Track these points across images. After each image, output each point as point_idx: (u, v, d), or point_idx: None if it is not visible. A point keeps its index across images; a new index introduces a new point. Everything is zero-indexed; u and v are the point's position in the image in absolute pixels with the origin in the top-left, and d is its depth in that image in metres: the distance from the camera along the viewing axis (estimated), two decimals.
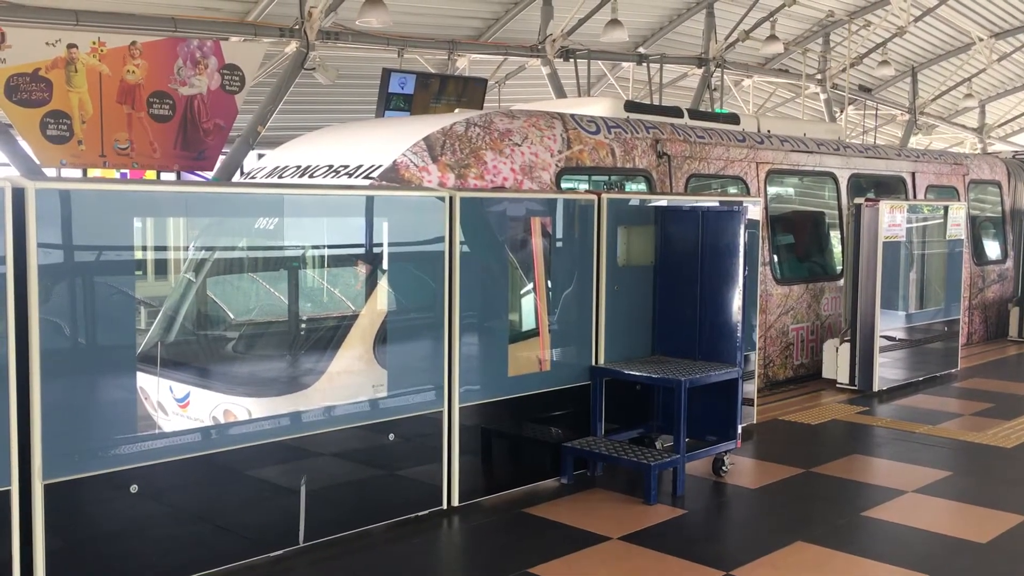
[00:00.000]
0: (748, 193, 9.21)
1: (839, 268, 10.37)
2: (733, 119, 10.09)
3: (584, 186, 7.89)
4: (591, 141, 7.82)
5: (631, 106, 9.02)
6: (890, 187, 11.65)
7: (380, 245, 5.49)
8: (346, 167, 6.94)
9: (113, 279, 4.36)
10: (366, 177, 6.73)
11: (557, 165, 7.43)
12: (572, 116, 7.96)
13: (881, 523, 5.66)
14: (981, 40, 25.21)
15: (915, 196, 11.68)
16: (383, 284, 5.54)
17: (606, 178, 8.15)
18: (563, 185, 7.48)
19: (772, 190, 9.90)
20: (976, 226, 13.31)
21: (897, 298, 9.55)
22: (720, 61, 21.11)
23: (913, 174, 11.81)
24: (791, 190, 10.68)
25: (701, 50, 21.07)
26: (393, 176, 6.75)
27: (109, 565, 4.39)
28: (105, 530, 4.38)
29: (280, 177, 7.39)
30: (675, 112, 9.56)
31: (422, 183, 6.70)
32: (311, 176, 7.09)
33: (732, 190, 9.43)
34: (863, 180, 11.11)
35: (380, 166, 6.79)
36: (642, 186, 8.31)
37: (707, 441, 6.53)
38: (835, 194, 10.63)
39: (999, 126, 31.77)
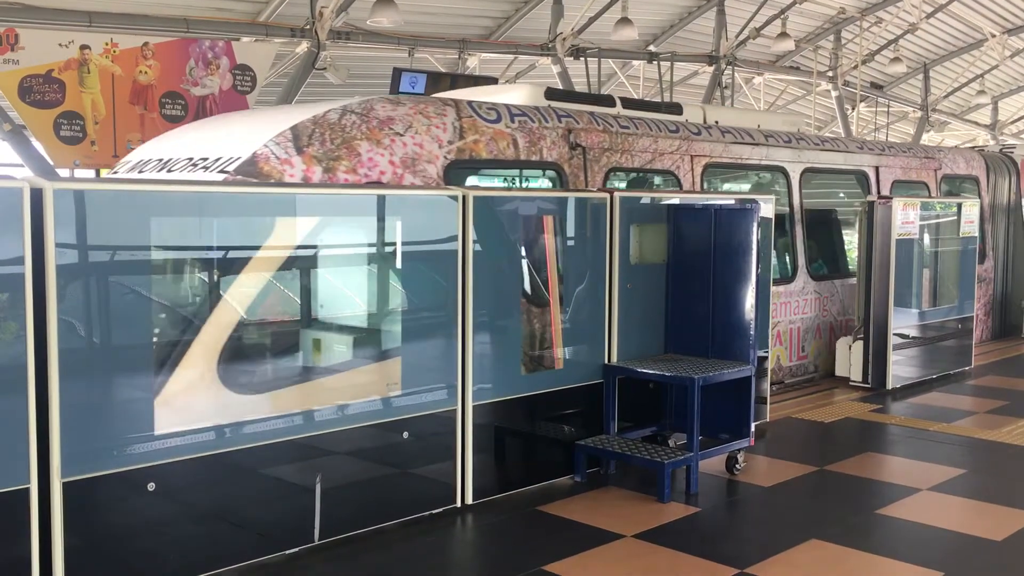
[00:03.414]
0: (681, 189, 8.56)
1: (793, 271, 9.74)
2: (675, 109, 9.41)
3: (477, 181, 7.24)
4: (489, 131, 7.06)
5: (553, 94, 8.34)
6: (850, 182, 11.00)
7: (392, 244, 5.50)
8: (205, 160, 6.38)
9: (130, 278, 4.39)
10: (221, 171, 6.14)
11: (446, 157, 6.73)
12: (469, 103, 7.20)
13: (895, 521, 5.65)
14: (993, 36, 25.08)
15: (879, 192, 10.80)
16: (236, 290, 4.81)
17: (505, 172, 7.45)
18: (452, 180, 6.70)
19: (711, 186, 9.25)
20: None
21: (910, 295, 9.51)
22: (731, 59, 21.07)
23: (877, 168, 10.95)
24: (733, 186, 9.94)
25: (712, 48, 21.03)
26: (251, 170, 6.10)
27: (126, 562, 4.43)
28: (122, 527, 4.41)
29: (140, 172, 6.79)
30: (605, 101, 8.87)
31: (283, 177, 6.11)
32: (170, 170, 6.50)
33: (666, 186, 8.75)
34: (818, 175, 10.40)
35: (238, 158, 6.19)
36: (556, 181, 7.60)
37: (720, 439, 6.53)
38: (785, 190, 9.77)
39: (1012, 123, 31.61)
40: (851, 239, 10.73)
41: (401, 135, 6.58)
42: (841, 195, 11.35)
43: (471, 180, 7.16)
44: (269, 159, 6.16)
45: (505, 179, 7.59)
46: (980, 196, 12.73)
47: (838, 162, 10.58)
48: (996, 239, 13.05)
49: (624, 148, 8.10)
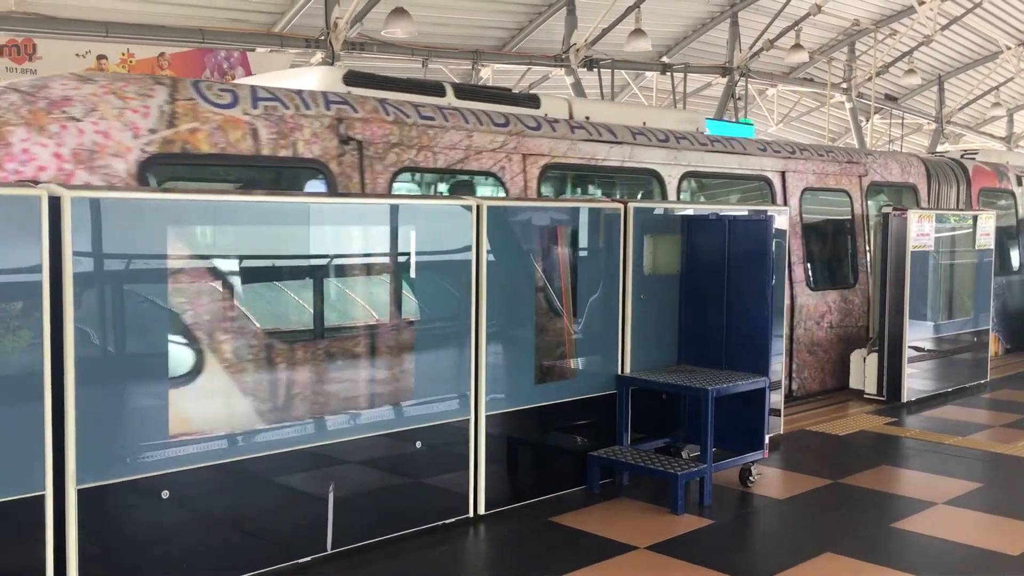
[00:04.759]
0: (507, 193, 7.06)
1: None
2: (530, 101, 8.02)
3: (188, 181, 5.90)
4: (216, 118, 5.63)
5: (356, 78, 6.93)
6: (748, 190, 9.50)
7: (406, 254, 5.51)
8: None
9: (147, 287, 4.41)
10: None
11: (144, 151, 5.33)
12: (194, 83, 5.78)
13: (911, 535, 5.60)
14: (1008, 48, 25.00)
15: (785, 200, 9.34)
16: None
17: (235, 171, 5.98)
18: (153, 180, 5.44)
19: (552, 191, 7.78)
20: (867, 240, 10.36)
21: (925, 308, 9.46)
22: (744, 70, 21.08)
23: (783, 174, 9.42)
24: (588, 191, 8.47)
25: (725, 59, 21.05)
26: None
27: (140, 569, 4.43)
28: (136, 535, 4.42)
29: None
30: (430, 89, 7.37)
31: None
32: None
33: (485, 190, 7.28)
34: (703, 180, 9.02)
35: None
36: (317, 183, 6.17)
37: (734, 451, 6.50)
38: (659, 198, 8.31)
39: None
40: None
41: (78, 120, 5.18)
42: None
43: (183, 180, 5.80)
44: None
45: (235, 180, 6.03)
46: (918, 206, 11.02)
47: (730, 165, 9.03)
48: (940, 255, 11.36)
49: (423, 144, 6.60)
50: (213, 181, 5.98)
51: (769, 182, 9.36)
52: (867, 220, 10.41)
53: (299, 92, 6.22)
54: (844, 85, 24.05)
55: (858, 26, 22.85)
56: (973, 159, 13.13)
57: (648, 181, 8.42)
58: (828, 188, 10.08)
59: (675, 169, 8.45)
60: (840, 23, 22.77)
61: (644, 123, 8.60)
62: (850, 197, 10.28)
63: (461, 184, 7.29)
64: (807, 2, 20.45)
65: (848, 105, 24.34)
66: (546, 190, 7.57)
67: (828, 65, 23.03)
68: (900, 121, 27.58)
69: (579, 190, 8.41)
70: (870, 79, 22.46)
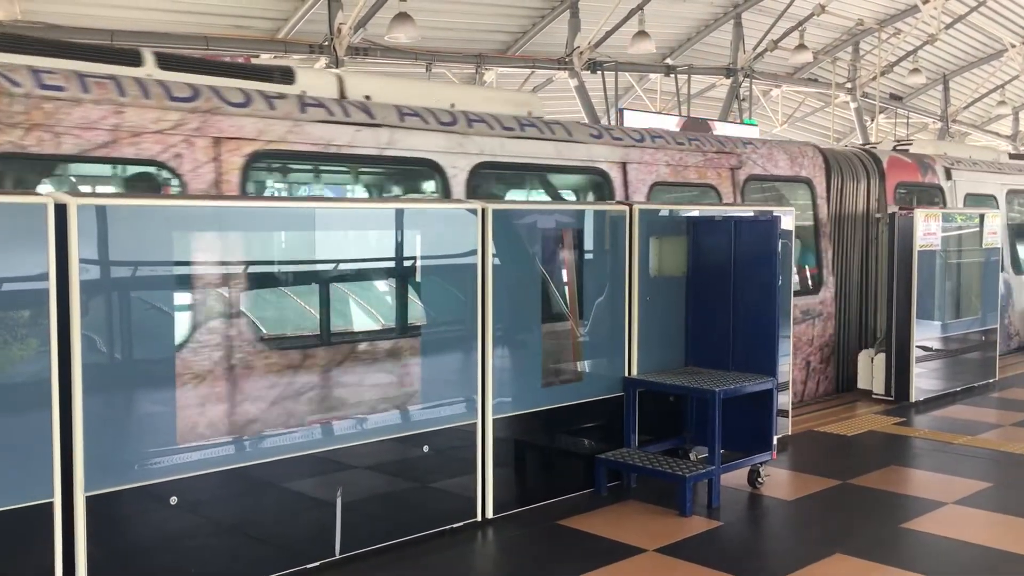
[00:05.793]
0: (184, 189, 5.46)
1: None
2: (282, 75, 6.35)
3: None
4: None
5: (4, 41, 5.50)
6: (577, 184, 8.10)
7: (412, 258, 5.52)
8: None
9: (153, 294, 4.42)
10: None
11: None
12: None
13: (921, 535, 5.58)
14: (1013, 47, 24.94)
15: (627, 196, 7.73)
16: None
17: None
18: None
19: (269, 189, 6.39)
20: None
21: (933, 308, 9.43)
22: (748, 71, 21.07)
23: (623, 165, 7.80)
24: (321, 189, 6.94)
25: (729, 60, 21.04)
26: None
27: (149, 575, 4.44)
28: (145, 541, 4.42)
29: None
30: (121, 56, 5.83)
31: None
32: None
33: (125, 187, 5.72)
34: (512, 173, 7.50)
35: None
36: None
37: (742, 453, 6.48)
38: (440, 193, 6.74)
39: None
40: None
41: None
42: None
43: None
44: None
45: None
46: (815, 204, 9.54)
47: (545, 155, 7.29)
48: (843, 261, 9.81)
49: (35, 122, 5.00)
50: None
51: (605, 175, 7.73)
52: None
53: None
54: (848, 85, 24.02)
55: (862, 26, 22.82)
56: (907, 150, 11.92)
57: (420, 175, 6.88)
58: (688, 183, 8.41)
59: (463, 159, 6.75)
60: (844, 23, 22.74)
61: (453, 105, 6.98)
62: (719, 194, 8.60)
63: (104, 179, 5.78)
64: (811, 2, 20.43)
65: (853, 105, 24.30)
66: (256, 187, 6.09)
67: (832, 65, 23.00)
68: (905, 120, 27.54)
69: (306, 187, 6.80)
70: (874, 79, 22.43)
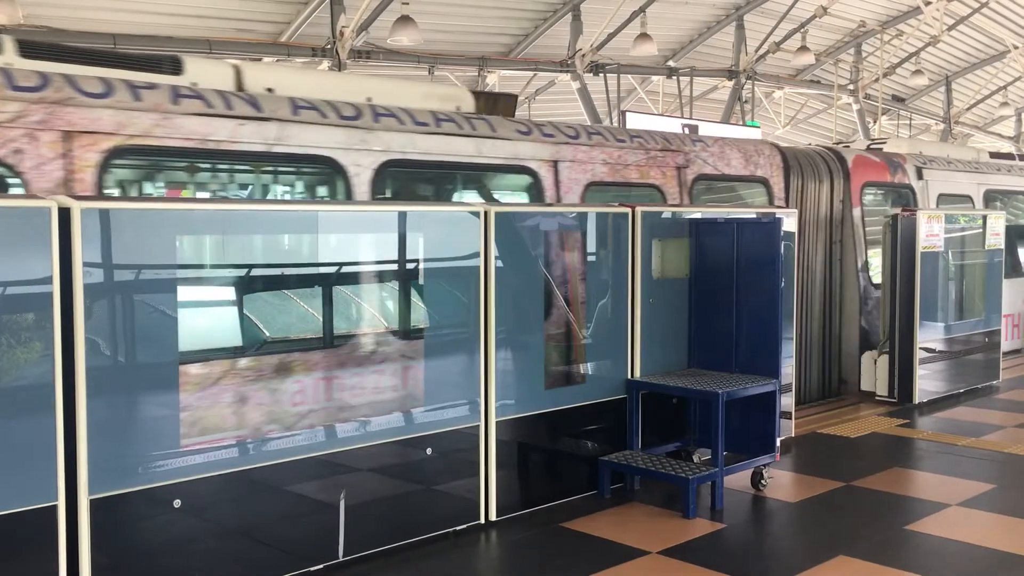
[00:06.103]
0: (27, 188, 4.91)
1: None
2: (168, 65, 5.84)
3: None
4: None
5: None
6: (503, 184, 7.54)
7: (415, 261, 5.52)
8: None
9: (157, 297, 4.42)
10: None
11: None
12: None
13: (925, 537, 5.57)
14: (1016, 48, 24.92)
15: (558, 198, 7.24)
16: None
17: None
18: None
19: (130, 188, 5.79)
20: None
21: (936, 309, 9.42)
22: (751, 73, 21.07)
23: (554, 164, 7.26)
24: (194, 188, 6.20)
25: (731, 62, 21.05)
26: None
27: None
28: (149, 544, 4.42)
29: None
30: None
31: None
32: None
33: None
34: (424, 172, 6.89)
35: None
36: None
37: (745, 455, 6.48)
38: (331, 195, 6.35)
39: None
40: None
41: None
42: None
43: None
44: None
45: None
46: (771, 206, 8.97)
47: (467, 153, 6.80)
48: (804, 264, 9.36)
49: None
50: None
51: (534, 174, 7.21)
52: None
53: None
54: (851, 87, 24.01)
55: (864, 27, 22.82)
56: (880, 149, 11.41)
57: (316, 173, 6.41)
58: (628, 183, 7.83)
59: (367, 157, 6.24)
60: (846, 24, 22.75)
61: (369, 99, 6.46)
62: (663, 195, 8.03)
63: None
64: (813, 4, 20.44)
65: (855, 107, 24.30)
66: (116, 186, 5.54)
67: (835, 67, 22.99)
68: (908, 122, 27.53)
69: (177, 187, 6.15)
70: (877, 80, 22.42)
